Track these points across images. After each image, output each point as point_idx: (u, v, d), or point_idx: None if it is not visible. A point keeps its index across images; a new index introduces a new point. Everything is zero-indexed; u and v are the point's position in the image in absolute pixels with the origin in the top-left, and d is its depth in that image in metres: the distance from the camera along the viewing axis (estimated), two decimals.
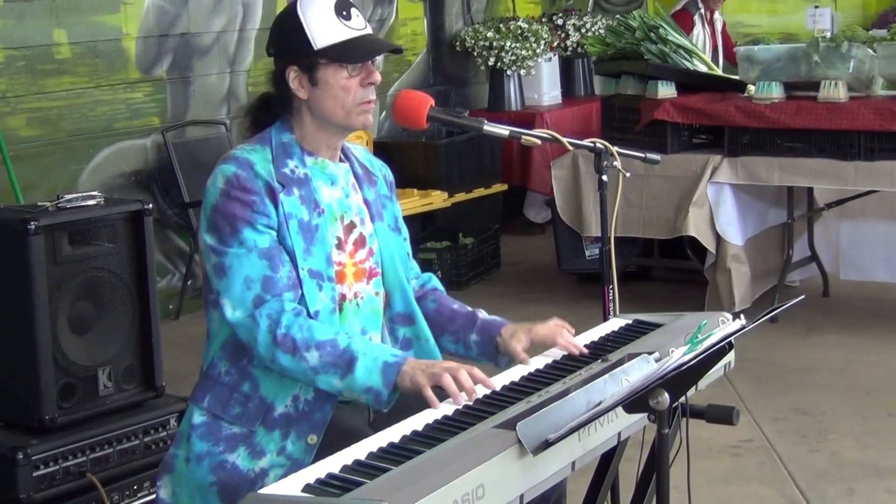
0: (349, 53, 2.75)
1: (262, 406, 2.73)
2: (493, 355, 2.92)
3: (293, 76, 2.77)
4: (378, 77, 2.80)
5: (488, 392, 2.59)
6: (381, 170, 3.02)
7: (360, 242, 2.86)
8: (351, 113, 2.78)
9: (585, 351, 2.86)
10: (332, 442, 2.60)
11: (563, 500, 2.85)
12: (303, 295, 2.71)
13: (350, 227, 2.85)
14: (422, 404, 2.56)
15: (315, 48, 2.74)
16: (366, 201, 2.91)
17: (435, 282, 3.13)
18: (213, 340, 2.81)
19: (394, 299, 2.92)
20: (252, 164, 2.73)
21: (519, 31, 8.67)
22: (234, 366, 2.76)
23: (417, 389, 2.58)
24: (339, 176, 2.86)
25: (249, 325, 2.67)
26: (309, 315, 2.70)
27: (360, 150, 3.01)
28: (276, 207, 2.72)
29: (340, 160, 2.89)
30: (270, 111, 2.84)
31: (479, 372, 2.62)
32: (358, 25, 2.78)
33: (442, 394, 2.57)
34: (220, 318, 2.75)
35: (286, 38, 2.79)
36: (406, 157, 7.97)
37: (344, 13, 2.77)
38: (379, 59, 2.89)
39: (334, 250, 2.79)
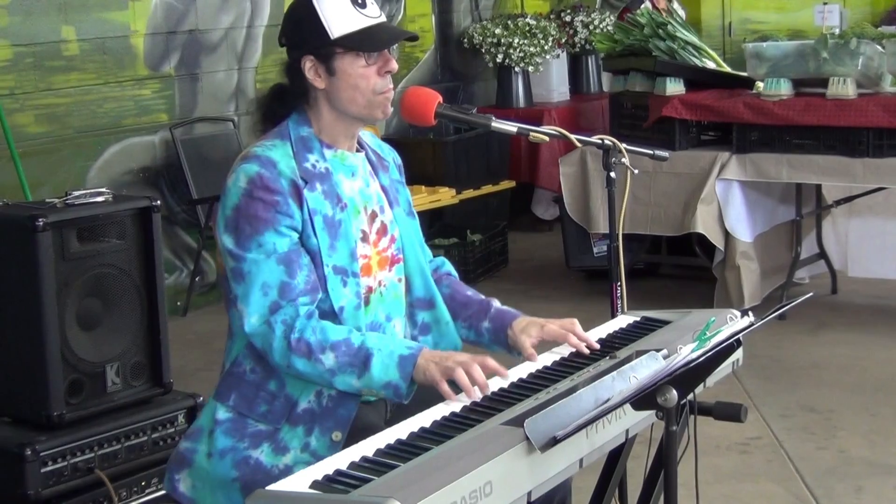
0: (366, 42, 2.73)
1: (288, 403, 2.70)
2: (505, 343, 2.91)
3: (309, 66, 2.74)
4: (395, 65, 2.77)
5: (497, 389, 2.59)
6: (390, 154, 3.01)
7: (383, 231, 2.85)
8: (371, 103, 2.75)
9: (597, 346, 2.85)
10: (352, 441, 2.58)
11: (569, 498, 2.84)
12: (327, 292, 2.69)
13: (373, 216, 2.83)
14: (435, 401, 2.55)
15: (332, 37, 2.71)
16: (383, 188, 2.89)
17: (448, 266, 3.12)
18: (236, 338, 2.78)
19: (414, 284, 2.91)
20: (275, 162, 2.69)
21: (527, 28, 8.66)
22: (260, 363, 2.73)
23: (431, 384, 2.58)
24: (358, 166, 2.84)
25: (265, 333, 2.64)
26: (333, 312, 2.68)
27: (368, 135, 2.98)
28: (301, 205, 2.68)
29: (357, 150, 2.88)
30: (284, 103, 2.81)
31: (492, 362, 2.62)
32: (373, 13, 2.76)
33: (457, 387, 2.57)
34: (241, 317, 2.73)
35: (301, 27, 2.75)
36: (414, 153, 7.95)
37: (359, 1, 2.74)
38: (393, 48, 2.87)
39: (359, 244, 2.77)
